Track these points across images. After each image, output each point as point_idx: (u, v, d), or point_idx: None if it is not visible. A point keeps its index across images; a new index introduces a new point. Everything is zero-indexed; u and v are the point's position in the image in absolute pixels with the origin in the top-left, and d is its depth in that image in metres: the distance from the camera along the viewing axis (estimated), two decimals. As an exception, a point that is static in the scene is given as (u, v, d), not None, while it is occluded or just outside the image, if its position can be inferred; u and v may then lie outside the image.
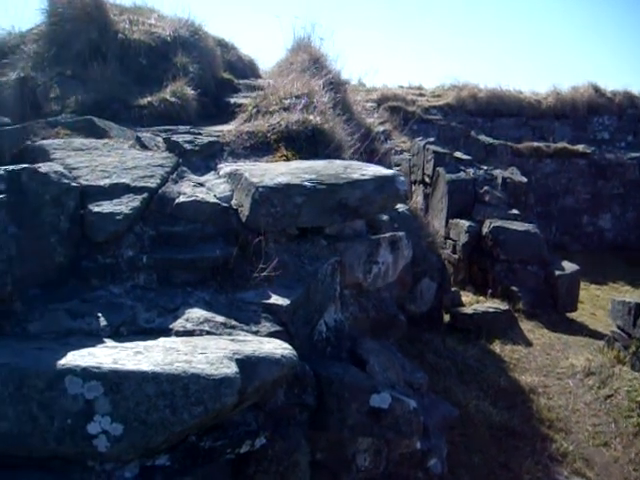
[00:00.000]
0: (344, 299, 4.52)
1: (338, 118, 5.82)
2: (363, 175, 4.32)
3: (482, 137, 15.92)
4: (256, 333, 3.30)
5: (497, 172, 12.43)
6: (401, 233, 4.92)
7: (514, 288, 9.71)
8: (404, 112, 16.86)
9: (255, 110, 5.81)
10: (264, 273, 3.67)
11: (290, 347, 3.15)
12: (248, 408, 3.05)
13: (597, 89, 19.19)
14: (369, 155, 6.52)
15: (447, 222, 11.34)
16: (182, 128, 5.57)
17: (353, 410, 3.71)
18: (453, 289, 9.02)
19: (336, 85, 7.19)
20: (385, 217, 5.25)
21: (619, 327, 7.03)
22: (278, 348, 3.08)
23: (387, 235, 4.75)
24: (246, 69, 8.95)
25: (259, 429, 3.09)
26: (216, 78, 7.55)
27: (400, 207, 6.94)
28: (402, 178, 4.55)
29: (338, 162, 4.77)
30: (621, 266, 14.11)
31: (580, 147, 16.64)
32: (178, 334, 3.15)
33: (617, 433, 5.70)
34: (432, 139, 13.67)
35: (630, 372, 6.54)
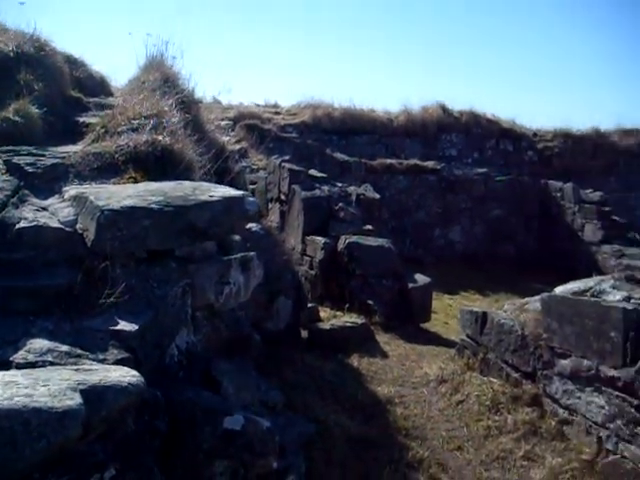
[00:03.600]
0: (196, 321, 4.48)
1: (189, 138, 5.78)
2: (212, 196, 4.32)
3: (337, 154, 16.30)
4: (103, 361, 3.21)
5: (351, 189, 12.78)
6: (252, 253, 4.94)
7: (370, 302, 9.96)
8: (260, 130, 17.04)
9: (103, 130, 5.66)
10: (111, 299, 3.58)
11: (138, 374, 3.07)
12: (96, 439, 2.95)
13: (445, 109, 20.23)
14: (222, 175, 6.51)
15: (303, 239, 11.50)
16: (24, 149, 5.32)
17: (207, 434, 3.67)
18: (311, 305, 9.13)
19: (188, 104, 7.14)
20: (237, 237, 5.26)
21: (468, 335, 7.36)
22: (126, 376, 3.01)
23: (238, 256, 4.76)
24: (97, 87, 8.74)
25: (107, 460, 2.99)
26: (64, 96, 7.31)
27: (254, 226, 6.98)
28: (251, 199, 4.58)
29: (187, 183, 4.74)
30: (470, 276, 14.88)
31: (430, 164, 17.39)
32: (19, 366, 3.02)
33: (469, 437, 5.96)
34: (287, 157, 13.89)
35: (479, 377, 6.85)
